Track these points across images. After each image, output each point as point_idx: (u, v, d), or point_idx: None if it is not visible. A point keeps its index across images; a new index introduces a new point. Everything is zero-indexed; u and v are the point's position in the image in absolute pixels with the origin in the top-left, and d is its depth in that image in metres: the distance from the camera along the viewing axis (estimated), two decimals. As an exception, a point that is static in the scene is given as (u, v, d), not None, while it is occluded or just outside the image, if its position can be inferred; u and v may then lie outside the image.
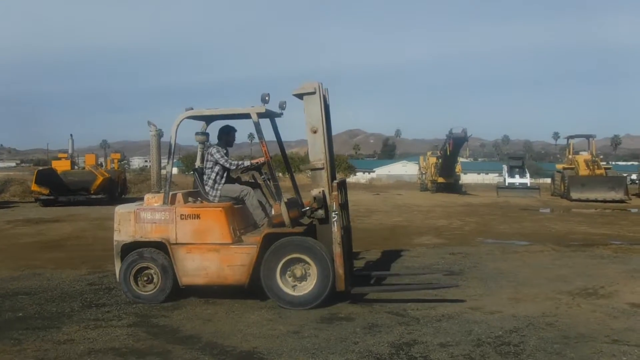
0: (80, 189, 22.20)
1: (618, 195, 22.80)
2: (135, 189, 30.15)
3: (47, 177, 21.95)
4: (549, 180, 33.97)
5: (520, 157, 32.73)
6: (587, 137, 27.02)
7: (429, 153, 33.61)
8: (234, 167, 6.91)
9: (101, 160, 26.68)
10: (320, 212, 6.17)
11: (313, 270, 6.03)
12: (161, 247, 6.37)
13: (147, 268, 6.42)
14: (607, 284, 7.12)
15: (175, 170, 75.68)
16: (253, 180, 7.24)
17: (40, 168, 24.77)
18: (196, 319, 5.72)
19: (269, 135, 6.62)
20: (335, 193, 6.08)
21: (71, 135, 24.56)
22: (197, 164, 7.10)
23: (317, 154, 6.30)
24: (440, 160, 28.34)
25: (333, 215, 6.02)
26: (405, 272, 7.97)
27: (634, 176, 34.84)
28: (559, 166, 27.71)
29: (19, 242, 11.66)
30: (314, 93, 6.23)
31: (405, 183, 42.06)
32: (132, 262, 6.42)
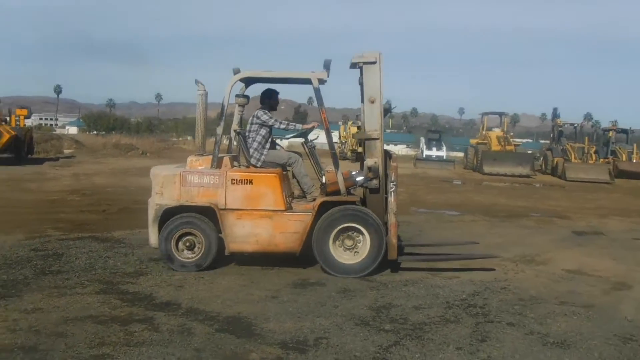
0: (-19, 147, 20.55)
1: (525, 170, 24.49)
2: (40, 149, 28.37)
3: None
4: (456, 153, 35.79)
5: (438, 131, 34.19)
6: (500, 114, 28.70)
7: (350, 122, 34.25)
8: (284, 127, 6.67)
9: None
10: (375, 182, 6.24)
11: (366, 239, 6.07)
12: (208, 212, 6.12)
13: (189, 234, 6.15)
14: (541, 252, 7.80)
15: (75, 130, 70.25)
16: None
17: None
18: (167, 285, 5.66)
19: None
20: (395, 164, 6.10)
21: (-27, 88, 22.53)
22: (235, 127, 6.78)
23: (373, 124, 6.32)
24: (359, 130, 28.96)
25: (391, 186, 6.05)
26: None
27: (529, 151, 37.46)
28: (473, 141, 29.25)
29: None
30: (374, 63, 6.23)
31: (324, 151, 42.53)
32: (175, 228, 6.13)
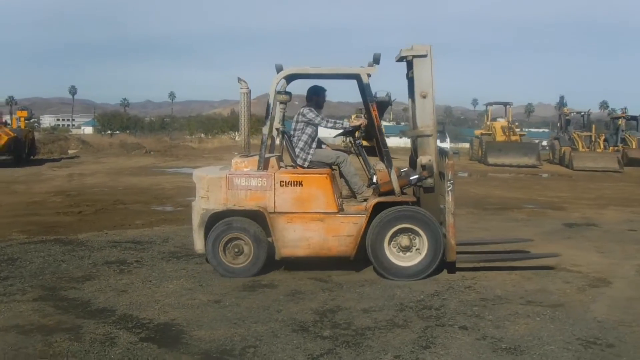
0: (-20, 149, 20.56)
1: (531, 160, 23.86)
2: (46, 150, 28.47)
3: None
4: (468, 145, 35.02)
5: (441, 122, 33.51)
6: (505, 104, 27.98)
7: (353, 116, 33.71)
8: (331, 125, 6.37)
9: (6, 118, 24.65)
10: (430, 180, 5.97)
11: (423, 241, 5.79)
12: (256, 216, 5.84)
13: (237, 239, 5.86)
14: (523, 247, 7.36)
15: (90, 130, 70.54)
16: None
17: None
18: (110, 291, 5.39)
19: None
20: (451, 162, 5.83)
21: (-27, 91, 22.56)
22: (277, 125, 6.42)
23: (426, 120, 6.06)
24: (364, 124, 28.51)
25: (448, 185, 5.74)
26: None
27: (544, 142, 36.68)
28: (477, 132, 28.65)
29: None
30: (425, 56, 5.97)
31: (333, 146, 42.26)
32: (222, 233, 5.83)
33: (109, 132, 67.58)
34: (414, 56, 5.99)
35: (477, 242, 7.37)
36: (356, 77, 6.10)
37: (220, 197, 5.85)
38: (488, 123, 27.91)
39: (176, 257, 6.66)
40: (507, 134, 25.67)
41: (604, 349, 4.12)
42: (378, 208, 5.84)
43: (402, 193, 6.03)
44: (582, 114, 27.52)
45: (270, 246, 5.90)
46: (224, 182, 5.83)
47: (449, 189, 5.74)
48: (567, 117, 27.13)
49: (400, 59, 6.19)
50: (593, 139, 24.97)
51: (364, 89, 6.06)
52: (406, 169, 6.36)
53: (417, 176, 5.99)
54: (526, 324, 4.58)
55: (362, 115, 24.35)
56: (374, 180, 6.10)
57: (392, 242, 5.84)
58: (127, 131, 67.43)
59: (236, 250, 5.86)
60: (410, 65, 6.18)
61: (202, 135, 60.24)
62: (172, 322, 4.54)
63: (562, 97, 27.69)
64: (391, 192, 5.92)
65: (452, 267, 6.06)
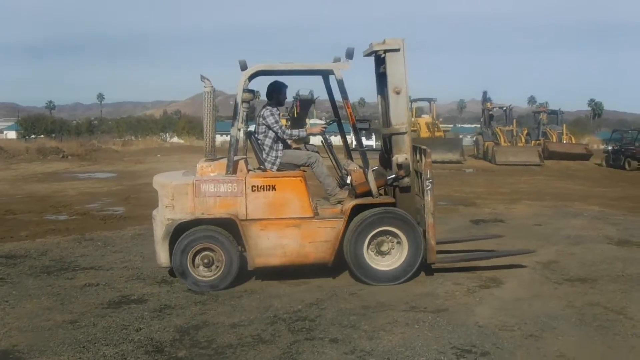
0: None
1: (455, 156, 24.18)
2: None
3: None
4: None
5: (366, 119, 33.59)
6: (429, 100, 28.29)
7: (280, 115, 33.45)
8: (287, 137, 5.89)
9: None
10: (407, 180, 5.67)
11: (403, 243, 5.57)
12: (227, 224, 5.41)
13: (206, 249, 5.42)
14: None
15: (13, 134, 66.53)
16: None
17: None
18: (-44, 314, 4.81)
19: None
20: (429, 160, 5.52)
21: None
22: (240, 126, 5.83)
23: (400, 117, 5.78)
24: (289, 122, 28.23)
25: (427, 184, 5.46)
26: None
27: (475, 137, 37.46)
28: (403, 128, 28.81)
29: None
30: (398, 50, 5.65)
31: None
32: (190, 244, 5.36)
33: (33, 136, 64.31)
34: (386, 50, 5.72)
35: (449, 241, 7.27)
36: (329, 73, 5.86)
37: (187, 206, 5.41)
38: (413, 119, 28.14)
39: (47, 272, 6.10)
40: (431, 130, 25.98)
41: (477, 358, 3.94)
42: (354, 210, 5.58)
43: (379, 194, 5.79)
44: (504, 108, 28.22)
45: (243, 256, 5.51)
46: (191, 189, 5.40)
47: (428, 188, 5.56)
48: (490, 112, 27.75)
49: (370, 53, 5.92)
50: (515, 134, 25.63)
51: (334, 86, 5.82)
52: (376, 167, 6.13)
53: (393, 176, 5.74)
54: (402, 333, 4.35)
55: (288, 115, 23.54)
56: (348, 181, 5.84)
57: (371, 246, 5.59)
58: (53, 135, 64.39)
59: (206, 261, 5.44)
60: (380, 61, 5.94)
61: (133, 137, 58.36)
62: (12, 348, 4.06)
63: (485, 92, 28.22)
64: (368, 194, 5.65)
65: (431, 269, 5.90)
